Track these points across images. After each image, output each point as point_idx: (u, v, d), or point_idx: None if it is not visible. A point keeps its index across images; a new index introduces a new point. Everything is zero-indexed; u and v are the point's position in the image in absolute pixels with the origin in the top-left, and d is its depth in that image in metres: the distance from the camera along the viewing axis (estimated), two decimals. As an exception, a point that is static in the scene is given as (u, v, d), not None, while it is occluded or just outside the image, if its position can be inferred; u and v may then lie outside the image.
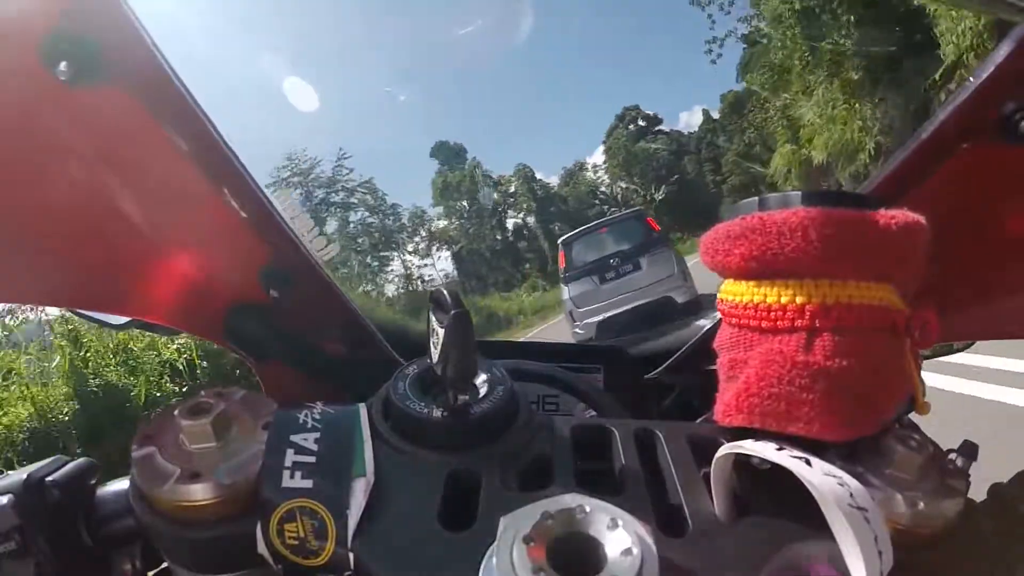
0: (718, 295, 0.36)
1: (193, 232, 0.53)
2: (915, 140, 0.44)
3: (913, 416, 0.37)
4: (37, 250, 0.43)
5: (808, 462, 0.30)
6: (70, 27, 0.34)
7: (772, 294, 0.32)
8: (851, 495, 0.28)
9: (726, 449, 0.32)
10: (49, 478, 0.36)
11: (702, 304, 6.23)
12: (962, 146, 0.42)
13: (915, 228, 0.31)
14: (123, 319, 0.58)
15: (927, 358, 0.37)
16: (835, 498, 0.27)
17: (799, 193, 0.32)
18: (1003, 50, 0.37)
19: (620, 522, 0.27)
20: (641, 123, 26.17)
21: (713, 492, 0.32)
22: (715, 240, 0.34)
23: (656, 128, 26.06)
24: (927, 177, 0.44)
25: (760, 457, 0.31)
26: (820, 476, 0.29)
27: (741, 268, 0.33)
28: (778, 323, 0.32)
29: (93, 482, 0.39)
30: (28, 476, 0.36)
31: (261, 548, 0.31)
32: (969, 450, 0.34)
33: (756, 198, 0.33)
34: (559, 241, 7.47)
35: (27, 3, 0.34)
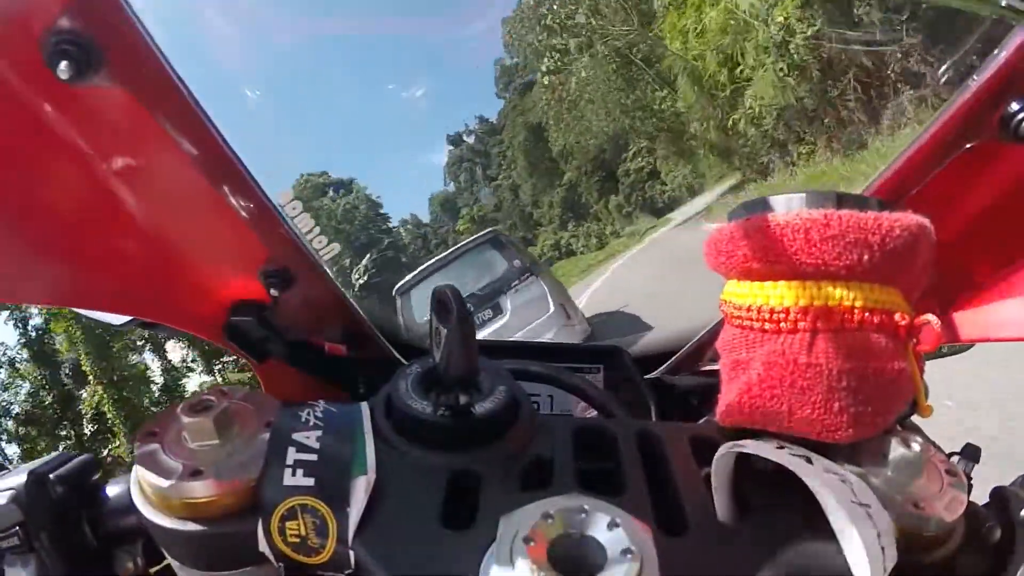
0: (721, 296, 0.36)
1: (193, 231, 0.53)
2: (916, 140, 0.43)
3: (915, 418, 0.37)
4: (38, 249, 0.43)
5: (809, 460, 0.30)
6: (71, 26, 0.34)
7: (775, 296, 0.32)
8: (853, 491, 0.28)
9: (726, 448, 0.32)
10: (52, 474, 0.37)
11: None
12: (964, 146, 0.42)
13: (920, 231, 0.31)
14: (124, 318, 0.58)
15: (928, 360, 0.37)
16: (837, 495, 0.27)
17: (803, 195, 0.32)
18: (1004, 50, 0.37)
19: (620, 522, 0.27)
20: (331, 193, 18.22)
21: (714, 492, 0.32)
22: (718, 241, 0.34)
23: (350, 190, 18.30)
24: (928, 178, 0.44)
25: (761, 456, 0.31)
26: (821, 474, 0.29)
27: (744, 269, 0.33)
28: (781, 324, 0.32)
29: (95, 478, 0.39)
30: (31, 472, 0.36)
31: (262, 546, 0.31)
32: (971, 453, 0.34)
33: (760, 199, 0.33)
34: (394, 291, 5.03)
35: (28, 2, 0.34)
